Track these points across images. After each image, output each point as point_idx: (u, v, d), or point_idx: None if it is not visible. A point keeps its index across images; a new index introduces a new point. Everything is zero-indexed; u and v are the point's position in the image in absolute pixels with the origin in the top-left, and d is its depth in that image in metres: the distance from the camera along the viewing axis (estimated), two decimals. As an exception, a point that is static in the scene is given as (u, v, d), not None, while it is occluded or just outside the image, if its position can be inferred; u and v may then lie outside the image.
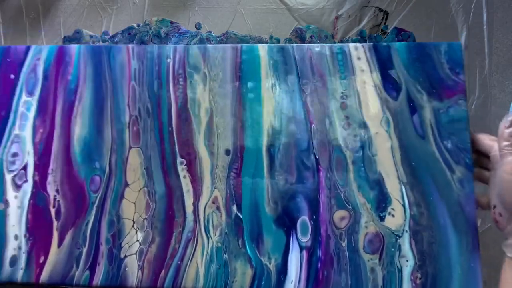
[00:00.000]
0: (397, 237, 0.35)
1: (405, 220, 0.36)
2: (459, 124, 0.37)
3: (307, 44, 0.40)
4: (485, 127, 0.51)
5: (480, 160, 0.37)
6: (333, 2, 0.51)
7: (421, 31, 0.52)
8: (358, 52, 0.39)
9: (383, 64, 0.39)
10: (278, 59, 0.40)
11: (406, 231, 0.35)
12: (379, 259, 0.35)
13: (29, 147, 0.40)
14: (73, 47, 0.42)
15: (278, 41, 0.49)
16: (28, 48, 0.42)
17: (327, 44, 0.40)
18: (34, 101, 0.41)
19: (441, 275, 0.34)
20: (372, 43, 0.40)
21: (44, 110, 0.41)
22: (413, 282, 0.35)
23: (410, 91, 0.38)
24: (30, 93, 0.41)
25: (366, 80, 0.39)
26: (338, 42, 0.51)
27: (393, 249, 0.35)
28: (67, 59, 0.42)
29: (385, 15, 0.51)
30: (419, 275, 0.35)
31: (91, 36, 0.51)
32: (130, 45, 0.42)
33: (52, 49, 0.42)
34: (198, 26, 0.49)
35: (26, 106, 0.41)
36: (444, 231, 0.35)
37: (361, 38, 0.50)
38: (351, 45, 0.40)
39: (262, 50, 0.40)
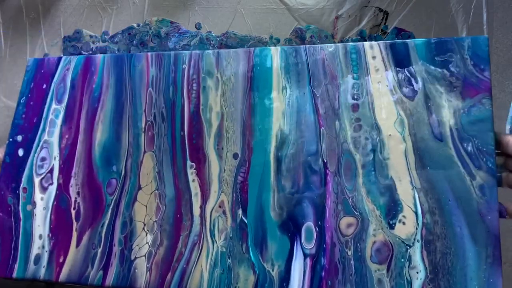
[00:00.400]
0: (408, 247, 0.46)
1: (417, 229, 0.46)
2: (482, 125, 0.47)
3: (320, 45, 0.54)
4: None
5: (508, 164, 0.46)
6: (333, 2, 0.66)
7: (421, 31, 0.64)
8: (373, 51, 0.52)
9: (400, 62, 0.51)
10: (291, 61, 0.54)
11: (418, 241, 0.46)
12: (387, 270, 0.46)
13: (55, 152, 0.59)
14: (99, 57, 0.62)
15: (278, 40, 0.63)
16: (59, 59, 0.63)
17: (341, 44, 0.54)
18: (62, 108, 0.61)
19: (456, 289, 0.44)
20: (389, 41, 0.52)
21: (70, 117, 0.60)
22: (426, 297, 0.45)
23: (428, 90, 0.50)
24: (59, 101, 0.61)
25: (381, 80, 0.51)
26: (338, 42, 0.64)
27: (402, 260, 0.46)
28: (92, 68, 0.61)
29: (385, 15, 0.65)
30: (432, 289, 0.45)
31: (91, 36, 0.70)
32: (149, 53, 0.60)
33: (80, 60, 0.62)
34: (198, 26, 0.66)
35: (55, 113, 0.61)
36: (460, 241, 0.45)
37: (361, 38, 0.63)
38: (367, 43, 0.53)
39: (275, 52, 0.55)
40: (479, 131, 0.47)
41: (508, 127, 0.63)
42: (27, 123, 0.61)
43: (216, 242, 0.51)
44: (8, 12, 0.75)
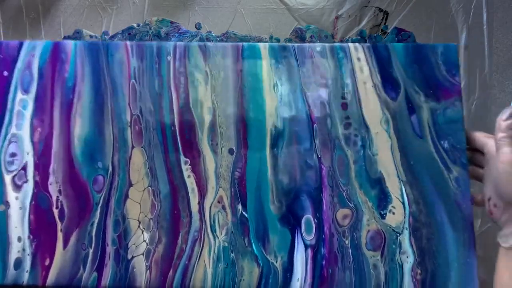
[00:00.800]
0: (398, 234, 0.52)
1: (405, 218, 0.52)
2: (455, 125, 0.54)
3: (308, 44, 0.57)
4: (485, 127, 0.68)
5: (474, 158, 0.54)
6: (333, 2, 0.69)
7: (421, 31, 0.69)
8: (358, 52, 0.56)
9: (382, 64, 0.56)
10: (280, 59, 0.57)
11: (406, 228, 0.52)
12: (381, 256, 0.52)
13: (27, 146, 0.55)
14: (69, 44, 0.58)
15: (278, 40, 0.65)
16: (21, 44, 0.58)
17: (328, 43, 0.57)
18: (30, 99, 0.56)
19: (439, 270, 0.51)
20: (371, 44, 0.57)
21: (41, 108, 0.56)
22: (414, 278, 0.51)
23: (409, 92, 0.55)
24: (26, 91, 0.57)
25: (366, 81, 0.56)
26: (338, 42, 0.68)
27: (394, 246, 0.52)
28: (63, 56, 0.58)
29: (385, 15, 0.69)
30: (419, 271, 0.51)
31: (91, 36, 0.67)
32: (128, 42, 0.58)
33: (47, 46, 0.58)
34: (198, 26, 0.66)
35: (22, 104, 0.56)
36: (441, 228, 0.52)
37: (361, 38, 0.68)
38: (351, 45, 0.57)
39: (263, 49, 0.57)
40: (453, 130, 0.54)
41: None
42: (-12, 114, 0.56)
43: (218, 237, 0.53)
44: (8, 12, 0.69)
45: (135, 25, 0.66)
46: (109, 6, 0.68)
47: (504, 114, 0.48)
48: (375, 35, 0.68)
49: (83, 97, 0.56)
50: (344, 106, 0.55)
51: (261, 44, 0.57)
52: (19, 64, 0.57)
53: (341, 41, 0.68)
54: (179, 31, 0.66)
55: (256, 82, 0.56)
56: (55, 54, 0.58)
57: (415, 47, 0.56)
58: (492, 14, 0.70)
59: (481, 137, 0.53)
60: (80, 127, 0.55)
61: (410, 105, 0.55)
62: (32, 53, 0.58)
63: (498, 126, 0.48)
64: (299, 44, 0.58)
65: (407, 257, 0.52)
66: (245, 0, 0.68)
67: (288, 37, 0.66)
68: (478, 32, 0.70)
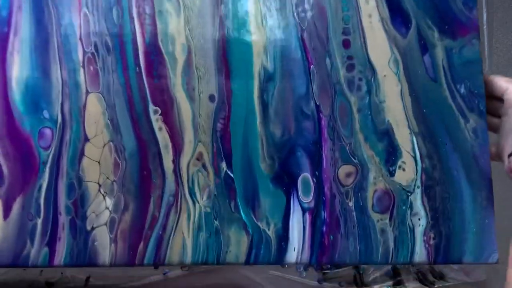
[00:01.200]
0: (408, 194, 0.45)
1: (416, 175, 0.45)
2: (472, 67, 0.47)
3: (304, -31, 0.47)
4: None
5: (490, 105, 0.47)
6: None
7: None
8: (364, -20, 0.47)
9: (391, -6, 0.47)
10: (270, -15, 0.47)
11: (418, 187, 0.45)
12: (390, 219, 0.45)
13: (-51, 93, 0.43)
14: (-1, -38, 0.45)
15: None
16: None
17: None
18: (-50, 33, 0.44)
19: (455, 234, 0.45)
20: (380, -30, 0.48)
21: (-35, 45, 0.44)
22: (426, 243, 0.45)
23: (421, 27, 0.47)
24: None
25: (372, 13, 0.47)
26: None
27: (404, 207, 0.45)
28: (-8, -23, 0.45)
29: None
30: (432, 235, 0.45)
31: None
32: (77, -39, 0.46)
33: (-31, -36, 0.45)
34: None
35: None
36: (457, 185, 0.45)
37: None
38: (355, -30, 0.47)
39: (249, -27, 0.47)
40: (470, 72, 0.47)
41: None
42: None
43: (198, 202, 0.44)
44: None
45: None
46: None
47: None
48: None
49: (21, 30, 0.45)
50: (346, 43, 0.47)
51: (244, -35, 0.47)
52: None
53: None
54: None
55: (240, 13, 0.46)
56: (-19, -27, 0.45)
57: (427, -25, 0.48)
58: (492, 14, 0.68)
59: (500, 82, 0.46)
60: (19, 68, 0.44)
61: (422, 42, 0.47)
62: (-51, -28, 0.45)
63: None
64: (290, -33, 0.48)
65: (419, 219, 0.45)
66: None
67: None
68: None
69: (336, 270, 0.70)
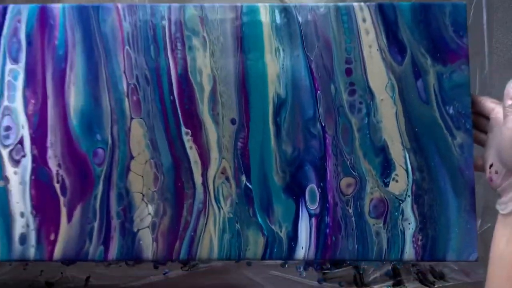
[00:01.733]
0: (400, 202, 0.53)
1: (408, 185, 0.53)
2: (461, 90, 0.54)
3: (311, 4, 0.55)
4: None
5: (478, 122, 0.54)
6: (333, 2, 0.67)
7: None
8: (364, 14, 0.55)
9: (389, 25, 0.54)
10: (281, 21, 0.55)
11: (409, 196, 0.53)
12: (384, 223, 0.53)
13: (22, 119, 0.54)
14: (57, 8, 0.55)
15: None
16: (5, 8, 0.55)
17: (331, 4, 0.55)
18: (20, 69, 0.55)
19: (440, 236, 0.53)
20: (377, 3, 0.55)
21: (33, 79, 0.55)
22: (415, 244, 0.53)
23: (415, 55, 0.54)
24: (15, 60, 0.55)
25: (371, 44, 0.55)
26: None
27: (396, 213, 0.53)
28: (51, 21, 0.55)
29: None
30: (420, 237, 0.53)
31: None
32: (119, 5, 0.56)
33: (33, 10, 0.55)
34: None
35: (12, 74, 0.55)
36: (444, 194, 0.53)
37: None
38: (356, 5, 0.55)
39: (264, 11, 0.55)
40: (458, 95, 0.54)
41: None
42: (-23, 85, 0.55)
43: (223, 208, 0.54)
44: None
45: None
46: None
47: None
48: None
49: (75, 66, 0.55)
50: (349, 71, 0.55)
51: (261, 5, 0.55)
52: (5, 31, 0.55)
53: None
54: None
55: (257, 47, 0.55)
56: (43, 19, 0.55)
57: (422, 6, 0.55)
58: (492, 14, 0.70)
59: (488, 102, 0.53)
60: (75, 98, 0.54)
61: (416, 69, 0.54)
62: (17, 18, 0.55)
63: (506, 93, 0.48)
64: (301, 4, 0.56)
65: (409, 223, 0.53)
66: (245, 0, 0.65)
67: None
68: (478, 32, 0.70)
69: (336, 270, 0.72)
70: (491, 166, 0.50)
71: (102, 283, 0.73)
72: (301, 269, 0.72)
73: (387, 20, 0.55)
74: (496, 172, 0.49)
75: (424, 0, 0.58)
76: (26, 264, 0.72)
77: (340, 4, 0.55)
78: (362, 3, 0.55)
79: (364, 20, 0.55)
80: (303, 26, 0.55)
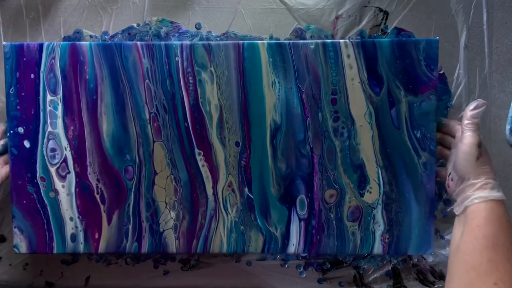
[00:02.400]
0: (373, 209, 0.67)
1: (379, 196, 0.67)
2: (428, 116, 0.65)
3: (303, 41, 0.65)
4: (485, 127, 0.72)
5: (445, 140, 0.66)
6: (333, 2, 0.71)
7: (421, 31, 0.71)
8: (348, 50, 0.65)
9: (369, 60, 0.64)
10: (277, 57, 0.65)
11: (380, 204, 0.67)
12: (358, 226, 0.67)
13: (64, 142, 0.67)
14: (84, 45, 0.66)
15: (278, 40, 0.69)
16: (40, 46, 0.66)
17: (320, 40, 0.65)
18: (58, 100, 0.66)
19: (403, 236, 0.67)
20: (360, 39, 0.65)
21: (70, 109, 0.67)
22: (383, 242, 0.68)
23: (391, 87, 0.65)
24: (53, 92, 0.66)
25: (354, 77, 0.65)
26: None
27: (369, 218, 0.67)
28: (81, 58, 0.66)
29: (385, 15, 0.71)
30: (387, 236, 0.67)
31: (91, 36, 0.71)
32: (138, 43, 0.66)
33: (64, 47, 0.66)
34: (198, 26, 0.70)
35: (53, 105, 0.67)
36: (408, 203, 0.67)
37: (361, 38, 0.70)
38: (342, 41, 0.65)
39: (262, 48, 0.65)
40: (425, 121, 0.65)
41: (508, 127, 0.71)
42: (25, 114, 0.67)
43: (230, 214, 0.68)
44: (8, 12, 0.72)
45: (135, 25, 0.70)
46: (109, 6, 0.72)
47: (471, 105, 0.59)
48: (375, 35, 0.71)
49: (105, 97, 0.66)
50: (334, 101, 0.66)
51: (259, 42, 0.65)
52: (42, 67, 0.66)
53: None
54: (179, 31, 0.71)
55: (256, 80, 0.65)
56: (73, 56, 0.66)
57: (399, 43, 0.64)
58: (492, 14, 0.71)
59: (454, 123, 0.64)
60: (106, 125, 0.67)
61: (391, 99, 0.65)
62: (52, 56, 0.66)
63: (464, 114, 0.59)
64: (294, 41, 0.65)
65: (379, 226, 0.67)
66: (245, 0, 0.71)
67: (288, 37, 0.70)
68: (478, 32, 0.71)
69: (336, 270, 0.74)
70: (449, 174, 0.62)
71: (102, 283, 0.75)
72: (301, 269, 0.74)
73: (368, 55, 0.64)
74: (452, 180, 0.61)
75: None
76: (26, 263, 0.76)
77: (328, 41, 0.65)
78: (347, 40, 0.65)
79: (348, 56, 0.65)
80: (296, 61, 0.65)
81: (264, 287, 0.74)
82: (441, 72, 0.71)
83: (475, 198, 0.56)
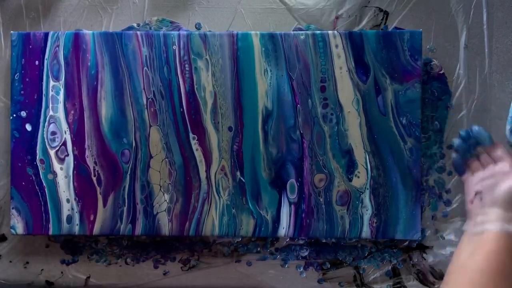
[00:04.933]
0: (361, 193, 0.71)
1: (367, 180, 0.71)
2: (413, 104, 0.70)
3: (293, 32, 0.71)
4: (485, 127, 0.69)
5: (481, 156, 0.66)
6: (333, 2, 0.75)
7: None
8: (336, 40, 0.71)
9: (356, 50, 0.70)
10: (269, 46, 0.71)
11: (367, 189, 0.71)
12: (347, 210, 0.71)
13: (64, 126, 0.72)
14: (88, 34, 0.72)
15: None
16: (46, 35, 0.72)
17: (310, 31, 0.71)
18: (61, 85, 0.72)
19: (390, 220, 0.71)
20: (348, 31, 0.71)
21: (71, 94, 0.72)
22: (371, 226, 0.71)
23: (377, 75, 0.70)
24: (56, 78, 0.72)
25: (342, 66, 0.71)
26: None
27: (357, 202, 0.71)
28: (84, 46, 0.72)
29: (385, 15, 0.75)
30: (375, 220, 0.71)
31: None
32: (138, 33, 0.72)
33: (68, 36, 0.72)
34: (198, 26, 0.76)
35: (55, 90, 0.72)
36: (395, 187, 0.71)
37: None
38: (330, 33, 0.71)
39: (255, 38, 0.71)
40: (411, 108, 0.70)
41: (508, 127, 0.72)
42: (28, 99, 0.72)
43: (222, 197, 0.72)
44: (8, 12, 0.77)
45: (135, 25, 0.76)
46: (109, 6, 0.77)
47: None
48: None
49: (105, 84, 0.72)
50: (323, 88, 0.71)
51: (253, 33, 0.71)
52: (47, 54, 0.72)
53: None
54: (179, 31, 0.78)
55: (249, 68, 0.71)
56: (77, 44, 0.72)
57: (385, 34, 0.70)
58: (492, 14, 0.74)
59: (503, 153, 0.65)
60: (105, 110, 0.72)
61: (377, 87, 0.71)
62: (56, 44, 0.72)
63: None
64: (285, 32, 0.72)
65: (367, 210, 0.71)
66: (245, 0, 0.76)
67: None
68: (478, 32, 0.74)
69: (336, 270, 0.75)
70: (478, 192, 0.64)
71: (102, 283, 0.77)
72: (301, 269, 0.75)
73: (355, 45, 0.70)
74: (481, 199, 0.63)
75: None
76: (26, 262, 0.77)
77: (317, 32, 0.71)
78: (335, 31, 0.71)
79: (336, 46, 0.71)
80: (287, 51, 0.71)
81: (264, 287, 0.76)
82: (441, 72, 0.74)
83: (499, 227, 0.58)
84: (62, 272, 0.78)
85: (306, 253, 0.75)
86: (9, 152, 0.74)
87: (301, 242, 0.75)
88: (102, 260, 0.77)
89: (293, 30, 0.75)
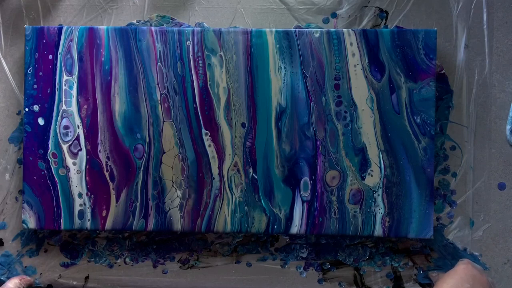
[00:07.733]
0: (374, 192, 0.73)
1: (380, 179, 0.73)
2: (427, 103, 0.72)
3: (308, 29, 0.74)
4: (484, 127, 0.75)
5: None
6: (333, 2, 0.77)
7: None
8: (351, 38, 0.72)
9: (371, 48, 0.72)
10: (284, 43, 0.73)
11: (380, 187, 0.73)
12: (360, 208, 0.73)
13: (77, 120, 0.74)
14: (102, 29, 0.74)
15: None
16: (60, 29, 0.75)
17: (325, 29, 0.73)
18: (74, 80, 0.74)
19: (403, 219, 0.73)
20: (362, 29, 0.73)
21: (84, 88, 0.74)
22: (383, 225, 0.73)
23: (392, 73, 0.72)
24: (70, 72, 0.74)
25: (356, 64, 0.73)
26: None
27: (370, 201, 0.73)
28: (98, 41, 0.74)
29: (385, 15, 0.77)
30: (388, 219, 0.73)
31: None
32: (153, 28, 0.74)
33: (82, 31, 0.74)
34: (198, 26, 0.77)
35: (68, 84, 0.74)
36: (408, 186, 0.73)
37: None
38: (345, 30, 0.73)
39: (270, 35, 0.73)
40: (425, 107, 0.72)
41: (508, 127, 0.74)
42: (41, 93, 0.74)
43: (234, 194, 0.74)
44: (8, 12, 0.78)
45: (135, 21, 0.77)
46: (109, 6, 0.78)
47: None
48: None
49: (119, 79, 0.74)
50: (337, 86, 0.73)
51: (267, 30, 0.73)
52: (60, 49, 0.74)
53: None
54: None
55: (263, 65, 0.73)
56: (91, 39, 0.74)
57: (400, 32, 0.72)
58: (492, 14, 0.75)
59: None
60: (119, 105, 0.74)
61: (391, 85, 0.73)
62: (70, 38, 0.74)
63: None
64: (300, 29, 0.74)
65: (380, 209, 0.73)
66: (245, 0, 0.77)
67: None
68: (478, 32, 0.76)
69: (336, 271, 0.77)
70: None
71: (102, 283, 0.78)
72: (301, 269, 0.77)
73: (370, 44, 0.72)
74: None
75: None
76: (25, 266, 0.79)
77: (332, 29, 0.73)
78: (350, 29, 0.73)
79: (351, 44, 0.73)
80: (301, 48, 0.73)
81: (264, 286, 0.78)
82: (442, 72, 0.76)
83: None
84: (60, 275, 0.79)
85: (306, 254, 0.77)
86: (9, 152, 0.76)
87: (300, 242, 0.76)
88: (102, 260, 0.79)
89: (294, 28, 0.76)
